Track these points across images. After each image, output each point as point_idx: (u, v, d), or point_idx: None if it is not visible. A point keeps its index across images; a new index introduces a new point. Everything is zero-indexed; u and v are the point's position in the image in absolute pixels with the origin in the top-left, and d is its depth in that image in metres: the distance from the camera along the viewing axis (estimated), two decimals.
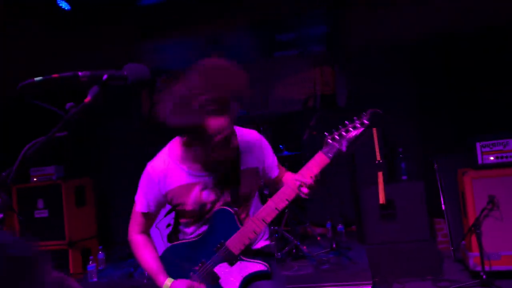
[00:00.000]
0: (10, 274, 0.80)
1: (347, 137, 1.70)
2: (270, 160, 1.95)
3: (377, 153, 4.20)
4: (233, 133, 1.70)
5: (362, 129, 1.70)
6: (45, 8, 4.74)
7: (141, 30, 5.52)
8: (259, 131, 2.11)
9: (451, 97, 4.75)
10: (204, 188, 1.81)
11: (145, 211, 1.86)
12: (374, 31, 4.86)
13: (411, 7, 4.64)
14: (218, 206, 1.83)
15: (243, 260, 1.79)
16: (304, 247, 4.03)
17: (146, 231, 1.94)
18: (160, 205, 1.88)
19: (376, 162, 4.19)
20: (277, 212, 1.74)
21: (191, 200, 1.81)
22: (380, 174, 4.15)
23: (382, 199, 4.11)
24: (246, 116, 5.16)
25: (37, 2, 4.65)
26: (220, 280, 1.80)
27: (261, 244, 1.97)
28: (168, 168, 1.80)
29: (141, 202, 1.86)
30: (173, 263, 1.86)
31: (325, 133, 1.74)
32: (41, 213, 4.79)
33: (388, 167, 4.36)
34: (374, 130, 4.20)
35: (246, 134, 1.89)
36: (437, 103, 4.79)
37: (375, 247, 4.09)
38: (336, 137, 1.71)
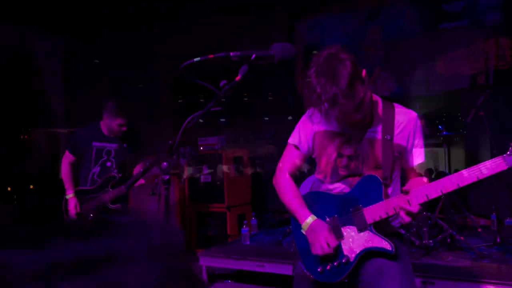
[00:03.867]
0: None
1: None
2: (416, 146, 1.90)
3: None
4: (364, 101, 1.69)
5: None
6: None
7: (300, 8, 5.61)
8: (415, 109, 2.07)
9: None
10: (346, 142, 1.89)
11: (296, 144, 2.02)
12: None
13: None
14: (353, 164, 1.88)
15: (372, 231, 1.79)
16: (461, 237, 3.70)
17: (293, 173, 2.06)
18: (308, 147, 2.00)
19: None
20: (426, 199, 1.70)
21: (331, 147, 1.91)
22: None
23: None
24: (404, 93, 4.87)
25: None
26: (342, 240, 1.83)
27: (394, 226, 1.93)
28: (323, 114, 1.86)
29: (295, 135, 2.04)
30: (311, 206, 1.94)
31: None
32: (206, 178, 5.39)
33: None
34: None
35: (404, 112, 1.91)
36: None
37: None
38: None
